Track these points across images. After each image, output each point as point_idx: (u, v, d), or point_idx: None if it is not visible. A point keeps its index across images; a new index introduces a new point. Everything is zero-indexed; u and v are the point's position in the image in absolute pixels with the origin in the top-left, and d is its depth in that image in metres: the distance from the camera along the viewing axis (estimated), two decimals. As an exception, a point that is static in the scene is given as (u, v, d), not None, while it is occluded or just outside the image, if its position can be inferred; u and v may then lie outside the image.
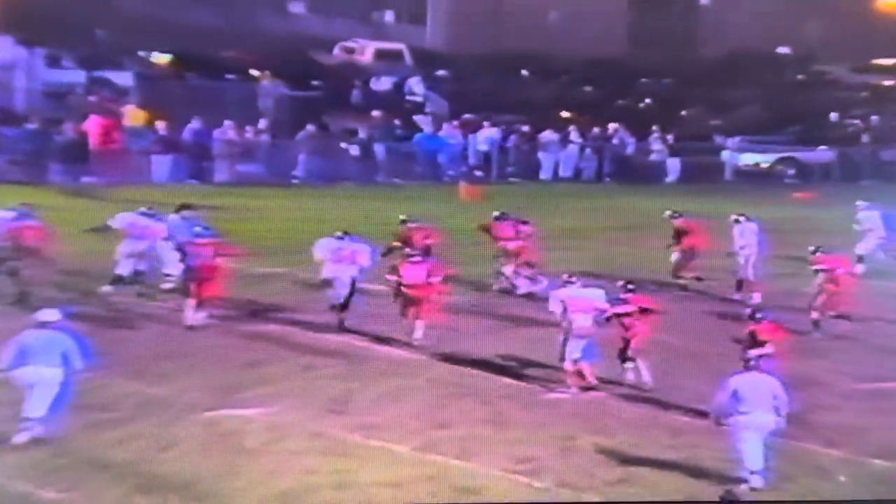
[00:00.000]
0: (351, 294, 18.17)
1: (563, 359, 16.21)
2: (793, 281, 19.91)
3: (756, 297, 19.85)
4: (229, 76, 33.32)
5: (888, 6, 39.71)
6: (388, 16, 42.25)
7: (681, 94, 35.79)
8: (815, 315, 18.68)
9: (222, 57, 34.48)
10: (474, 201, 25.70)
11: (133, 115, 29.52)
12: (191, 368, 16.51)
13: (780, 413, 13.67)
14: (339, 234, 18.52)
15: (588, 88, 36.72)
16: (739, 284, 20.35)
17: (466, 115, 32.05)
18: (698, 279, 20.57)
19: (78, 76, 31.83)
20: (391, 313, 17.85)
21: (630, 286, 16.68)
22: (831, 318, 18.68)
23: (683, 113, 34.74)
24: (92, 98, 30.27)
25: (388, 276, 17.96)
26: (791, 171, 31.77)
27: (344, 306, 18.18)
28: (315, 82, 34.12)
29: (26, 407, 14.01)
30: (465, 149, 30.94)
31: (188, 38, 34.43)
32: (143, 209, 19.54)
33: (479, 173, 30.22)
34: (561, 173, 31.00)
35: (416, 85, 34.83)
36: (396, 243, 19.52)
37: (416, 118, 32.14)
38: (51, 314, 14.42)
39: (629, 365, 16.36)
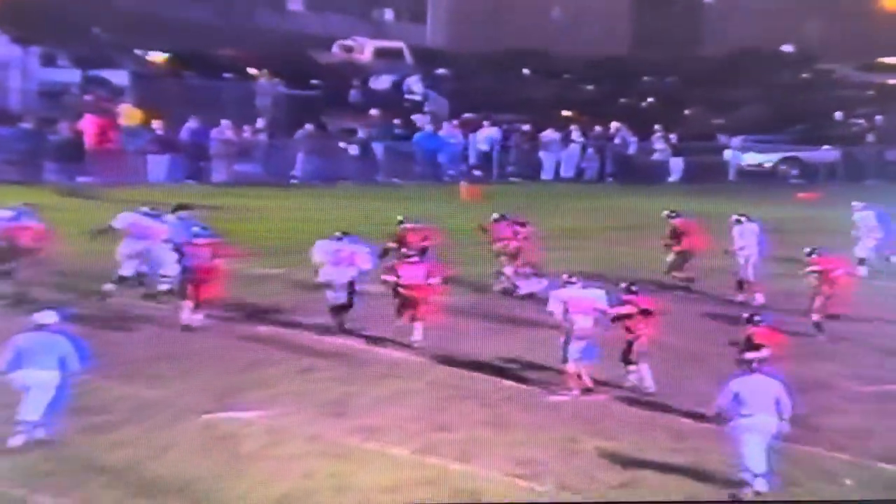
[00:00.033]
0: (351, 296, 18.00)
1: (565, 360, 16.07)
2: (795, 282, 19.75)
3: (759, 298, 19.80)
4: (227, 75, 33.18)
5: (892, 5, 39.58)
6: (388, 14, 42.17)
7: (684, 92, 35.69)
8: (815, 318, 18.58)
9: (219, 55, 34.42)
10: (474, 201, 25.63)
11: (129, 115, 29.38)
12: (188, 371, 16.41)
13: (784, 416, 13.55)
14: (337, 234, 18.36)
15: (590, 87, 36.62)
16: (740, 285, 20.25)
17: (467, 115, 31.95)
18: (689, 280, 20.43)
19: (73, 75, 31.71)
20: (391, 315, 17.71)
21: (633, 288, 16.51)
22: (826, 318, 18.58)
23: (686, 112, 34.60)
24: (87, 97, 30.12)
25: (385, 277, 17.81)
26: (795, 172, 31.67)
27: (343, 308, 18.02)
28: (313, 81, 33.99)
29: (21, 410, 13.92)
30: (465, 148, 30.81)
31: (185, 37, 34.39)
32: (145, 209, 19.39)
33: (478, 173, 30.11)
34: (563, 173, 30.88)
35: (414, 84, 34.73)
36: (391, 244, 19.38)
37: (415, 117, 31.99)
38: (48, 316, 14.31)
39: (632, 368, 16.20)
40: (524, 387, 16.34)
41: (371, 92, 34.49)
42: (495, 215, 20.59)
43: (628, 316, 16.16)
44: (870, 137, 32.20)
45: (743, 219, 20.43)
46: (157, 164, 28.00)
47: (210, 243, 18.05)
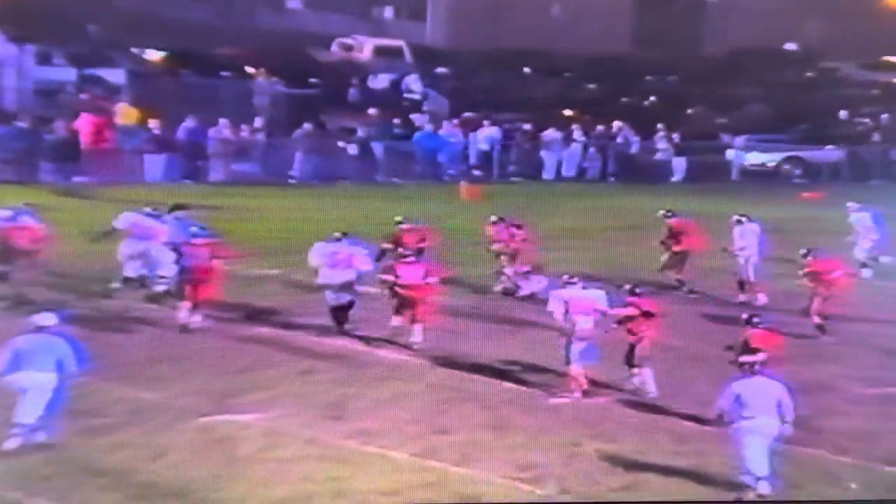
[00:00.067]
0: (350, 298, 17.88)
1: (568, 362, 15.97)
2: (796, 282, 19.66)
3: (762, 298, 19.73)
4: (224, 73, 33.11)
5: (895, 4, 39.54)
6: (388, 12, 42.15)
7: (686, 91, 35.63)
8: (816, 320, 18.50)
9: (217, 54, 34.39)
10: (475, 201, 25.57)
11: (125, 114, 29.31)
12: (185, 373, 16.31)
13: (786, 419, 13.45)
14: (336, 235, 18.22)
15: (591, 86, 36.53)
16: (742, 285, 20.18)
17: (467, 114, 31.88)
18: (680, 282, 20.32)
19: (69, 73, 31.66)
20: (390, 316, 17.59)
21: (637, 290, 16.39)
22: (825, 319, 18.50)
23: (689, 111, 34.51)
24: (83, 96, 30.08)
25: (382, 277, 17.70)
26: (798, 171, 31.58)
27: (343, 310, 17.90)
28: (312, 80, 33.90)
29: (18, 412, 13.82)
30: (465, 148, 30.72)
31: (182, 35, 34.34)
32: (147, 209, 19.30)
33: (479, 173, 30.03)
34: (564, 172, 30.83)
35: (413, 83, 34.65)
36: (387, 245, 19.27)
37: (413, 116, 31.91)
38: (47, 318, 14.21)
39: (635, 371, 16.09)
40: (525, 389, 16.25)
41: (370, 91, 34.41)
42: (493, 217, 20.49)
43: (630, 318, 16.05)
44: (875, 136, 32.13)
45: (743, 219, 20.37)
46: (154, 164, 27.93)
47: (208, 243, 17.95)
